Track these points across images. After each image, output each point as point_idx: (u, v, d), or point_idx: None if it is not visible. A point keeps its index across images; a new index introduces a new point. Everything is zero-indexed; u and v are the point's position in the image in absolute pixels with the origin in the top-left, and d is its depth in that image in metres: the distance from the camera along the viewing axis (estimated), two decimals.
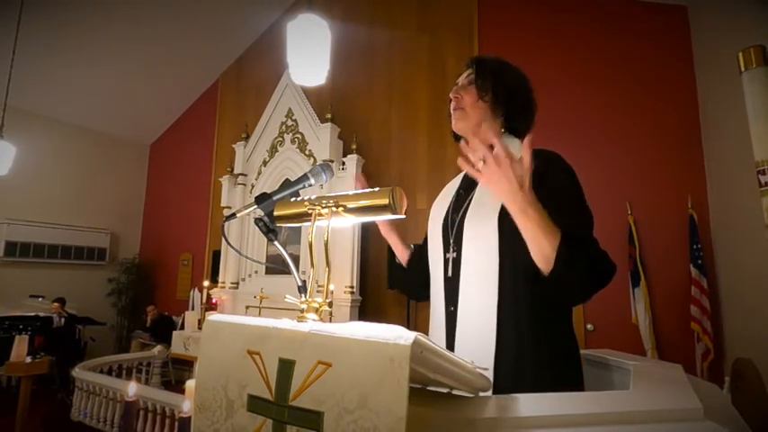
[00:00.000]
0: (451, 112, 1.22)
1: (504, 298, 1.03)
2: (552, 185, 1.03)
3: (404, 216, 0.83)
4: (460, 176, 1.32)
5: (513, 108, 1.20)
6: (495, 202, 1.06)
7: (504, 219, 1.03)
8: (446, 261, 1.16)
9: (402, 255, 1.39)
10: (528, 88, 1.23)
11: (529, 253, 0.95)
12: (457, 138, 1.31)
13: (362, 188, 1.11)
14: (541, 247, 0.90)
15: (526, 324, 1.02)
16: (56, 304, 6.04)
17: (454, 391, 0.75)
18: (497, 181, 0.88)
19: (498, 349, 1.01)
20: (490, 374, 0.97)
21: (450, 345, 1.08)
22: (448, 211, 1.23)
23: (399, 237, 1.38)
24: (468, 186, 1.20)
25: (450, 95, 1.23)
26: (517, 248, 1.00)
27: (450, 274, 1.14)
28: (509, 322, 1.02)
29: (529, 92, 1.23)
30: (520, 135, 1.21)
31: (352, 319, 4.54)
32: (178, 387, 5.23)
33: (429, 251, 1.25)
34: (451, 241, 1.16)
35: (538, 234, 0.89)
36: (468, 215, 1.12)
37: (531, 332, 1.02)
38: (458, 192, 1.25)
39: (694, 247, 3.35)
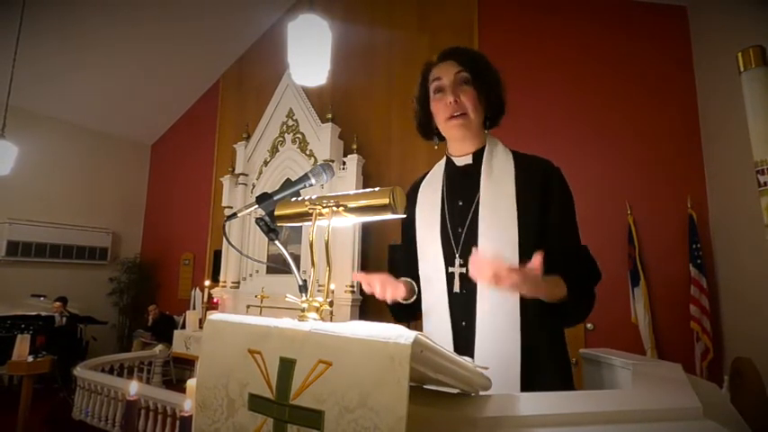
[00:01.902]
0: (444, 113, 1.14)
1: (527, 311, 1.05)
2: (557, 209, 1.10)
3: (404, 215, 0.83)
4: (439, 180, 1.25)
5: (499, 108, 1.20)
6: (510, 217, 1.08)
7: (524, 233, 1.07)
8: (450, 275, 1.14)
9: (408, 295, 1.23)
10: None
11: (547, 267, 0.99)
12: (426, 134, 1.26)
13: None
14: (553, 299, 1.03)
15: (545, 335, 1.08)
16: (57, 303, 6.05)
17: (454, 390, 0.75)
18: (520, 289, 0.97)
19: (524, 360, 1.03)
20: (516, 383, 1.01)
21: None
22: (444, 223, 1.17)
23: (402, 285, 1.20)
24: (468, 197, 1.16)
25: (444, 96, 1.14)
26: (531, 250, 1.02)
27: (457, 288, 1.12)
28: (531, 333, 1.05)
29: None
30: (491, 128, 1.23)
31: (352, 318, 4.54)
32: (179, 386, 5.24)
33: (421, 265, 1.20)
34: (457, 255, 1.13)
35: (549, 297, 1.02)
36: (480, 229, 1.10)
37: (547, 342, 1.07)
38: (453, 202, 1.19)
39: (694, 246, 3.35)
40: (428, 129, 1.24)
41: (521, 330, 1.04)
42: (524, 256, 1.04)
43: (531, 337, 1.05)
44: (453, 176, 1.22)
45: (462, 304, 1.10)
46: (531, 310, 1.05)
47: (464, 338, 1.08)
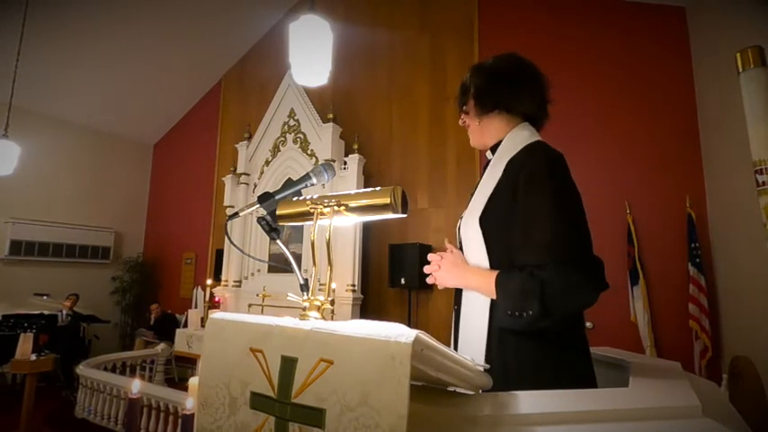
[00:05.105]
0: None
1: (495, 300, 1.03)
2: (522, 201, 1.01)
3: (405, 215, 0.83)
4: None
5: (498, 97, 1.16)
6: (479, 205, 1.09)
7: (486, 220, 1.06)
8: None
9: None
10: (512, 69, 1.18)
11: (519, 249, 1.01)
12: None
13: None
14: (491, 296, 1.03)
15: (525, 336, 1.00)
16: (71, 297, 6.07)
17: (455, 389, 0.76)
18: (442, 280, 1.12)
19: (488, 348, 1.02)
20: None
21: (455, 343, 1.12)
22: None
23: None
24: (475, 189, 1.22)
25: (460, 123, 1.29)
26: (504, 247, 1.04)
27: None
28: (502, 330, 1.02)
29: (514, 71, 1.18)
30: (538, 120, 1.22)
31: (353, 317, 4.54)
32: (181, 384, 5.26)
33: None
34: (459, 245, 1.19)
35: (485, 293, 1.04)
36: (462, 219, 1.16)
37: (523, 334, 0.99)
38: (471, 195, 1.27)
39: (692, 245, 3.35)
40: None
41: (488, 324, 1.03)
42: (493, 253, 1.04)
43: (501, 334, 1.01)
44: (484, 170, 1.27)
45: (458, 290, 1.15)
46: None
47: (457, 323, 1.14)
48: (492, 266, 1.04)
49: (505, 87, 1.16)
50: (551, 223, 0.97)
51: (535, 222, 0.98)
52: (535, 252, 0.97)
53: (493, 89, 1.17)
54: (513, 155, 1.09)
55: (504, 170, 1.08)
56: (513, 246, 1.01)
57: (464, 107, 1.24)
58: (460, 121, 1.28)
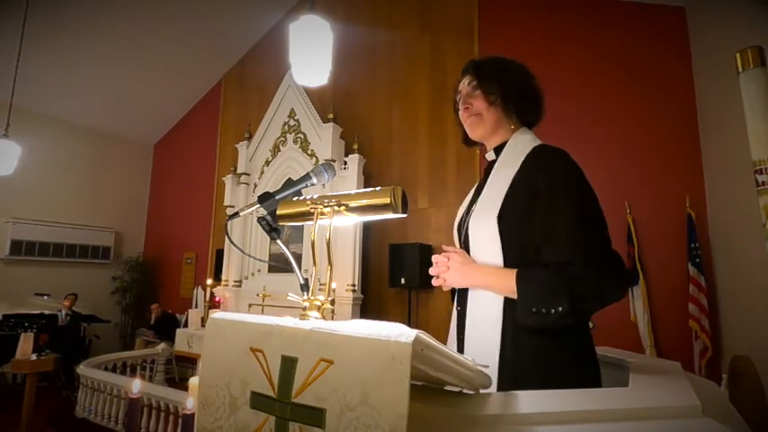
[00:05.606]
0: (465, 120, 1.22)
1: (509, 307, 1.03)
2: (546, 199, 1.02)
3: (405, 215, 0.83)
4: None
5: (523, 102, 1.20)
6: (495, 204, 1.07)
7: (504, 220, 1.05)
8: None
9: None
10: (530, 78, 1.23)
11: (533, 252, 1.01)
12: (469, 143, 1.31)
13: None
14: (507, 294, 1.02)
15: (533, 333, 1.01)
16: (71, 297, 6.07)
17: (455, 388, 0.76)
18: (452, 280, 1.10)
19: (502, 348, 1.01)
20: (494, 372, 0.98)
21: (460, 344, 1.11)
22: (465, 215, 1.24)
23: None
24: (479, 189, 1.21)
25: (460, 105, 1.23)
26: (518, 246, 1.03)
27: None
28: (514, 329, 1.02)
29: (532, 80, 1.22)
30: (533, 125, 1.25)
31: (353, 316, 4.55)
32: (182, 384, 5.26)
33: None
34: (461, 243, 1.19)
35: (501, 291, 1.03)
36: (471, 218, 1.13)
37: (537, 332, 1.00)
38: (474, 194, 1.26)
39: (692, 245, 3.35)
40: (468, 137, 1.29)
41: (502, 323, 1.03)
42: (509, 252, 1.04)
43: (515, 333, 1.01)
44: (487, 171, 1.27)
45: (462, 290, 1.15)
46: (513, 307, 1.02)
47: (461, 324, 1.13)
48: (506, 265, 1.04)
49: (531, 96, 1.21)
50: (575, 221, 0.99)
51: (559, 221, 1.00)
52: (559, 250, 0.98)
53: (521, 95, 1.20)
54: (524, 156, 1.11)
55: (519, 170, 1.09)
56: (529, 244, 1.02)
57: (493, 98, 1.18)
58: (464, 106, 1.22)
